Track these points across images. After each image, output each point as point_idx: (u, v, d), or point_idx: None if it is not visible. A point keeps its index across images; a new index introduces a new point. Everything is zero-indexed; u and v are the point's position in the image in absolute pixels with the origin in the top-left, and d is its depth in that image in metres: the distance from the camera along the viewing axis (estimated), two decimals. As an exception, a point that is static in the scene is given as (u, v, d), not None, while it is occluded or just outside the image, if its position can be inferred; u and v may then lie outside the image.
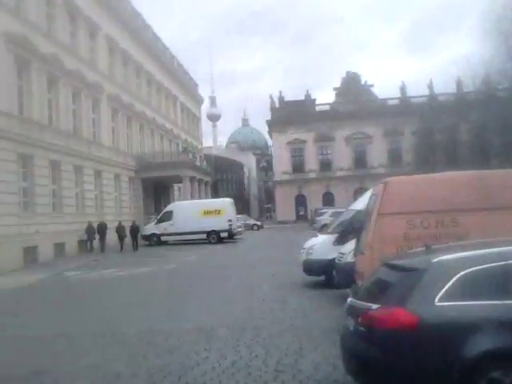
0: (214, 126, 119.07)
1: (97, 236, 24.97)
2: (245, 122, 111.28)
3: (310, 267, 11.46)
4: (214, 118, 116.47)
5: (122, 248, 25.93)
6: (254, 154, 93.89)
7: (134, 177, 33.53)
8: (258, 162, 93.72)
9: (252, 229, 44.17)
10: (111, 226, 26.01)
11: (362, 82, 61.98)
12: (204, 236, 28.19)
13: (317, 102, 61.40)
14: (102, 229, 25.15)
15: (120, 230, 26.22)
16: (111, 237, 25.86)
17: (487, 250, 4.44)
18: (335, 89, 62.68)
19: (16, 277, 16.82)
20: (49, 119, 22.86)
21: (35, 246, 20.31)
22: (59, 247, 22.41)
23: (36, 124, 21.39)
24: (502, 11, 29.84)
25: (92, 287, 14.02)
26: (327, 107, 60.07)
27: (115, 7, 31.20)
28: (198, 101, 58.49)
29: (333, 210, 32.44)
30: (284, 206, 58.11)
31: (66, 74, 24.29)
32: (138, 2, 37.50)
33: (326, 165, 58.78)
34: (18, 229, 19.09)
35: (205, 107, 74.58)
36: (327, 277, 11.00)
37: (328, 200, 54.43)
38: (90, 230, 24.61)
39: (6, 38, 19.28)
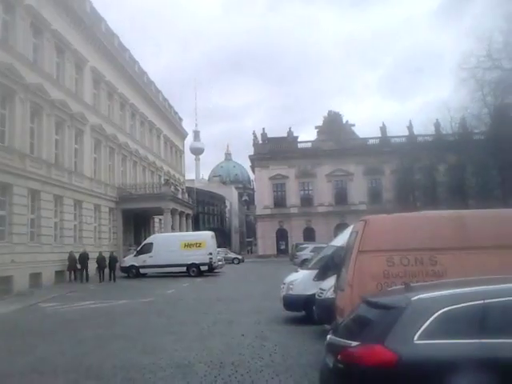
0: (197, 160, 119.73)
1: (78, 266, 24.82)
2: (228, 156, 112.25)
3: (290, 302, 11.42)
4: (197, 151, 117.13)
5: (101, 279, 25.71)
6: (236, 187, 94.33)
7: (115, 208, 33.26)
8: (240, 195, 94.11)
9: (233, 262, 43.88)
10: (91, 257, 25.80)
11: (344, 122, 63.39)
12: (184, 269, 27.90)
13: (299, 140, 62.48)
14: (84, 259, 25.02)
15: (100, 261, 26.08)
16: (91, 267, 25.66)
17: (465, 289, 4.52)
18: (317, 127, 63.99)
19: (-12, 308, 16.33)
20: (30, 148, 22.72)
21: (10, 275, 19.81)
22: (35, 277, 21.90)
23: (17, 153, 21.23)
24: (476, 61, 31.18)
25: (67, 319, 13.63)
26: (309, 145, 61.09)
27: (103, 42, 31.65)
28: (182, 134, 58.88)
29: (313, 246, 32.55)
30: (265, 240, 58.08)
31: (51, 105, 24.32)
32: (125, 39, 38.27)
33: (307, 200, 59.25)
34: (-9, 259, 18.66)
35: (188, 141, 75.12)
36: (307, 312, 10.96)
37: (309, 235, 54.59)
38: (71, 260, 24.42)
39: (-9, 68, 19.36)
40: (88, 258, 25.34)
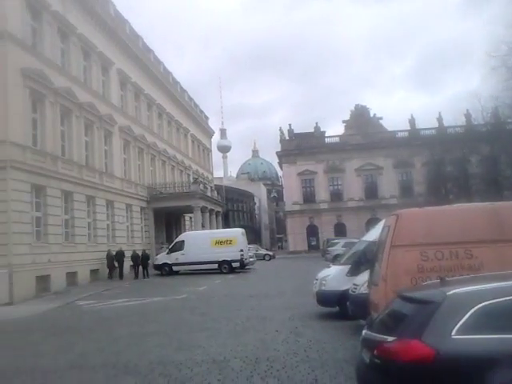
0: (225, 158, 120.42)
1: (115, 264, 25.89)
2: (255, 153, 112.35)
3: (324, 298, 11.39)
4: (224, 149, 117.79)
5: (136, 276, 26.57)
6: (264, 184, 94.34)
7: (146, 207, 33.78)
8: (269, 192, 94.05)
9: (264, 259, 43.96)
10: (126, 255, 26.65)
11: (371, 115, 62.59)
12: (215, 266, 28.11)
13: (326, 135, 62.00)
14: (120, 257, 25.93)
15: (134, 259, 26.98)
16: (125, 265, 26.58)
17: (503, 283, 4.41)
18: (344, 121, 63.42)
19: (29, 306, 16.89)
20: (62, 151, 23.24)
21: (48, 275, 20.38)
22: (72, 276, 22.47)
23: (49, 155, 21.75)
24: (507, 48, 30.16)
25: (103, 317, 13.96)
26: (337, 139, 60.62)
27: (128, 43, 32.08)
28: (209, 133, 59.26)
29: (345, 241, 32.33)
30: (295, 237, 57.97)
31: (79, 107, 24.82)
32: (149, 40, 38.69)
33: (336, 195, 58.83)
34: (31, 258, 19.21)
35: (215, 139, 75.52)
36: (341, 308, 10.91)
37: (340, 230, 54.22)
38: (109, 258, 25.40)
39: (22, 74, 19.84)
40: (124, 256, 26.28)
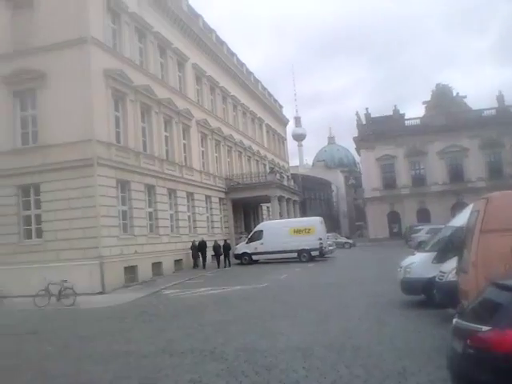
0: (300, 146, 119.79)
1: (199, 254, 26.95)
2: (331, 140, 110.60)
3: (409, 286, 10.97)
4: (299, 137, 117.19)
5: (218, 265, 27.32)
6: (341, 171, 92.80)
7: (224, 198, 34.46)
8: (347, 179, 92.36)
9: (343, 247, 43.33)
10: (208, 245, 27.55)
11: (454, 94, 59.23)
12: (295, 255, 28.10)
13: (406, 117, 59.55)
14: (203, 247, 26.84)
15: (216, 249, 27.76)
16: (207, 255, 27.46)
17: None
18: (425, 102, 60.56)
19: (118, 294, 17.86)
20: (143, 146, 24.21)
21: (135, 265, 21.42)
22: (157, 266, 23.45)
23: (132, 151, 22.73)
24: None
25: (188, 305, 14.42)
26: (417, 121, 58.00)
27: (201, 38, 32.67)
28: (283, 122, 59.14)
29: (429, 227, 30.97)
30: (376, 224, 56.46)
31: (158, 103, 25.66)
32: (221, 32, 39.13)
33: (419, 180, 56.44)
34: (119, 249, 20.26)
35: (290, 128, 75.34)
36: (427, 296, 10.45)
37: (423, 216, 52.00)
38: (194, 248, 26.52)
39: (105, 74, 20.83)
40: (206, 247, 27.16)
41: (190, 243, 26.77)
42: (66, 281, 16.10)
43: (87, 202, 19.12)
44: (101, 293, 18.35)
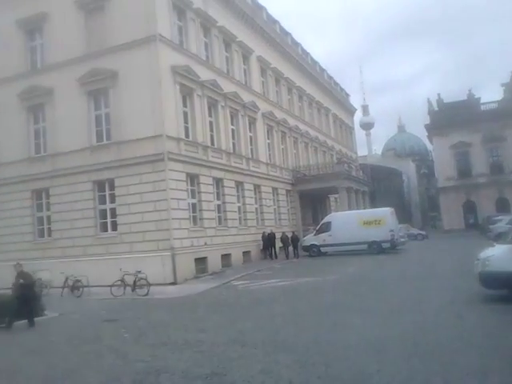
0: (368, 135, 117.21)
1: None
2: (400, 128, 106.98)
3: (489, 279, 10.26)
4: (367, 126, 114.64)
5: (286, 257, 27.51)
6: (412, 160, 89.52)
7: (291, 189, 34.32)
8: (418, 168, 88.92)
9: (416, 239, 41.77)
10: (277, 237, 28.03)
11: (535, 73, 55.23)
12: (364, 247, 27.43)
13: (481, 101, 56.28)
14: (272, 239, 27.34)
15: (284, 240, 28.17)
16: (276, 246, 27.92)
17: None
18: (503, 85, 57.09)
19: (190, 285, 18.32)
20: (211, 140, 24.56)
21: (205, 257, 21.87)
22: (226, 258, 23.81)
23: (200, 145, 23.13)
24: None
25: (258, 296, 14.47)
26: (494, 105, 54.68)
27: (265, 30, 32.58)
28: (351, 111, 57.92)
29: (510, 217, 29.14)
30: (450, 214, 54.02)
31: (224, 97, 25.92)
32: (286, 22, 38.79)
33: (497, 168, 53.28)
34: (189, 241, 20.77)
35: (357, 117, 73.63)
36: (510, 290, 9.74)
37: (502, 206, 49.07)
38: (264, 240, 27.19)
39: (172, 71, 21.31)
40: (275, 238, 27.60)
41: (260, 234, 27.32)
42: (140, 271, 16.73)
43: (159, 196, 19.74)
44: (173, 283, 18.90)
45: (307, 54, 43.42)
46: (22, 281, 11.61)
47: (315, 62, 45.52)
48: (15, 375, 7.41)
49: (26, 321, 11.62)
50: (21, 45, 23.78)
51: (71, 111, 21.86)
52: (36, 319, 11.95)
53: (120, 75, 20.91)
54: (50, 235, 22.51)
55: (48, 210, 22.60)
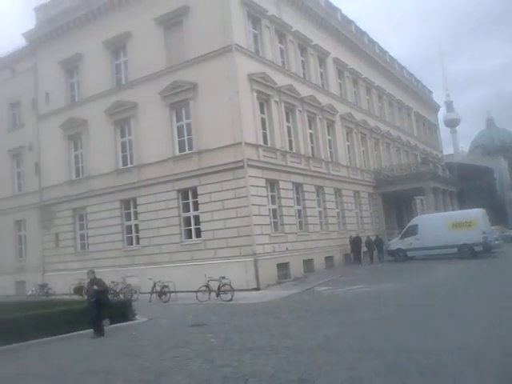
0: (454, 132, 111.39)
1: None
2: (489, 122, 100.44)
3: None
4: (452, 123, 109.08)
5: (371, 261, 26.99)
6: (504, 157, 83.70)
7: (373, 192, 33.37)
8: (511, 165, 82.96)
9: (512, 241, 38.84)
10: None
11: None
12: (454, 250, 25.89)
13: None
14: (357, 243, 26.96)
15: (369, 244, 27.66)
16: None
17: None
18: None
19: (273, 291, 18.32)
20: (289, 145, 24.49)
21: (287, 262, 21.79)
22: (308, 263, 23.57)
23: (279, 151, 23.14)
24: None
25: (343, 302, 14.16)
26: None
27: (340, 31, 32.07)
28: (434, 108, 55.47)
29: None
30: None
31: (301, 102, 25.78)
32: (361, 22, 37.84)
33: None
34: (271, 247, 20.81)
35: (441, 114, 70.28)
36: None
37: None
38: (352, 243, 27.00)
39: (249, 79, 21.57)
40: (361, 242, 27.20)
41: (343, 239, 27.02)
42: (224, 277, 17.00)
43: (240, 202, 20.00)
44: (256, 289, 19.00)
45: (385, 52, 42.23)
46: (95, 287, 11.89)
47: (394, 60, 44.14)
48: (111, 377, 7.75)
49: (99, 327, 11.71)
50: (107, 63, 25.29)
51: (154, 124, 22.86)
52: (127, 323, 12.54)
53: (199, 86, 21.53)
54: (138, 243, 23.56)
55: (136, 218, 23.69)
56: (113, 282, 20.26)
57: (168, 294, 18.48)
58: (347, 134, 31.53)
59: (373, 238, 27.99)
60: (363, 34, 37.72)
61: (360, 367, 6.76)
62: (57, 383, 7.73)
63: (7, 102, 30.83)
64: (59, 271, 25.69)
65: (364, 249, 27.53)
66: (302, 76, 26.76)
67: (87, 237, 25.62)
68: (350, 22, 35.43)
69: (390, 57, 43.19)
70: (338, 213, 28.35)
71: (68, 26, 26.88)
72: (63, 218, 26.63)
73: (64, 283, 23.32)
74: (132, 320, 13.17)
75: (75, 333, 11.60)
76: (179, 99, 22.27)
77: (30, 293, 23.94)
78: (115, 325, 12.30)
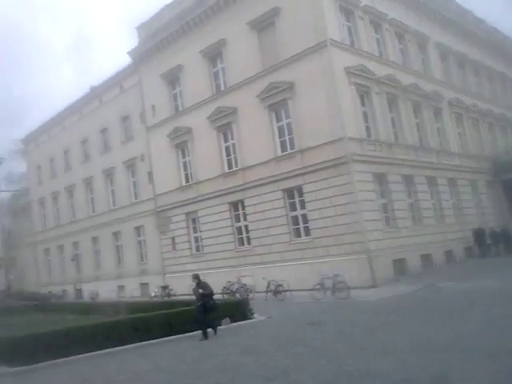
0: None
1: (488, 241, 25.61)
2: None
3: None
4: None
5: (498, 254, 25.02)
6: None
7: (492, 180, 30.74)
8: None
9: None
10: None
11: None
12: None
13: None
14: (480, 234, 25.28)
15: (494, 236, 25.67)
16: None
17: None
18: None
19: (389, 288, 17.49)
20: (395, 137, 23.44)
21: (403, 258, 20.79)
22: (426, 258, 22.32)
23: (384, 143, 22.23)
24: None
25: (469, 298, 13.09)
26: None
27: (440, 13, 30.02)
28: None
29: None
30: None
31: (404, 91, 24.59)
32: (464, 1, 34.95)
33: None
34: (384, 243, 19.97)
35: None
36: None
37: None
38: (475, 236, 25.35)
39: (346, 72, 21.00)
40: (484, 233, 25.35)
41: (465, 231, 25.24)
42: (338, 275, 16.60)
43: (347, 199, 19.50)
44: (372, 286, 18.32)
45: (494, 29, 38.70)
46: (201, 290, 11.90)
47: (505, 37, 40.41)
48: (238, 373, 7.77)
49: (211, 329, 11.77)
50: (205, 72, 26.14)
51: (255, 126, 23.15)
52: (246, 322, 12.61)
53: (296, 85, 21.42)
54: (249, 243, 23.88)
55: (245, 219, 24.07)
56: (229, 281, 20.87)
57: (283, 293, 18.51)
58: (457, 120, 29.49)
59: (497, 230, 25.77)
60: (466, 12, 35.02)
61: (495, 367, 6.16)
62: (190, 379, 7.93)
63: (119, 117, 33.06)
64: (177, 273, 26.91)
65: (488, 241, 25.40)
66: (401, 64, 25.55)
67: (201, 239, 26.57)
68: (451, 1, 33.10)
69: (502, 34, 39.52)
70: (453, 204, 26.52)
71: (167, 40, 28.30)
72: (177, 222, 27.90)
73: (182, 284, 24.28)
74: (250, 319, 13.28)
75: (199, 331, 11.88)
76: (277, 100, 22.35)
77: (153, 294, 25.46)
78: (235, 323, 12.46)
